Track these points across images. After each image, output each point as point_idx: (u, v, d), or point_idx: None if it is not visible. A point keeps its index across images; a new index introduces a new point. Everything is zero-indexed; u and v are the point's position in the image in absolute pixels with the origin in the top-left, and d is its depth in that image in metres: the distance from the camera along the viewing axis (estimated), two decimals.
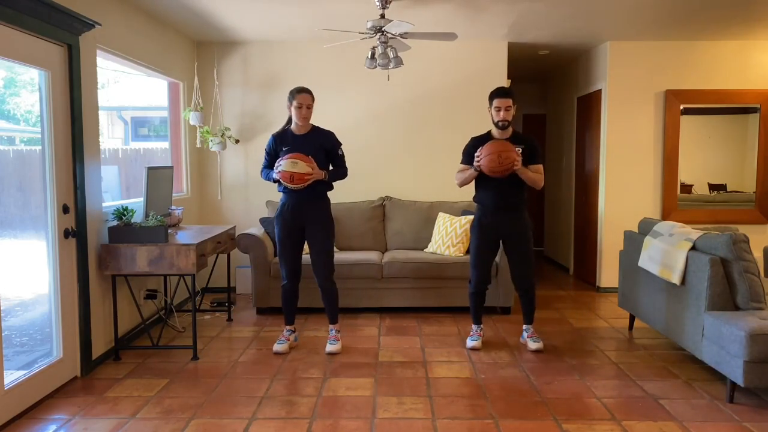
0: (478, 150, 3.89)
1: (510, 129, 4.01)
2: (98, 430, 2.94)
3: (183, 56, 5.55)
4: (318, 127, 4.08)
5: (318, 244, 4.01)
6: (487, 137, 4.05)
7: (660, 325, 3.99)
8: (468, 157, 4.05)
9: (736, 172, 5.90)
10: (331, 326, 4.19)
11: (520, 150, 3.94)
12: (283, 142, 4.01)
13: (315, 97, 4.02)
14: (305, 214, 3.99)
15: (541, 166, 4.06)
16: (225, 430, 2.91)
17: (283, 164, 3.81)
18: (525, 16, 4.86)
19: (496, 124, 3.99)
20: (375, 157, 5.92)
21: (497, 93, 4.00)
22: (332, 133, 4.09)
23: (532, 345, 4.15)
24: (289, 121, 4.04)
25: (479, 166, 3.88)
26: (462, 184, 4.09)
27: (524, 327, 4.27)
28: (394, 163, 5.95)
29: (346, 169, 4.12)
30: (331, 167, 4.07)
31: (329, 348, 4.10)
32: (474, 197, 4.16)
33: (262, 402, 3.26)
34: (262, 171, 4.12)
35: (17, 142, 3.64)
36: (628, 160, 5.90)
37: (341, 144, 4.09)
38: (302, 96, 3.92)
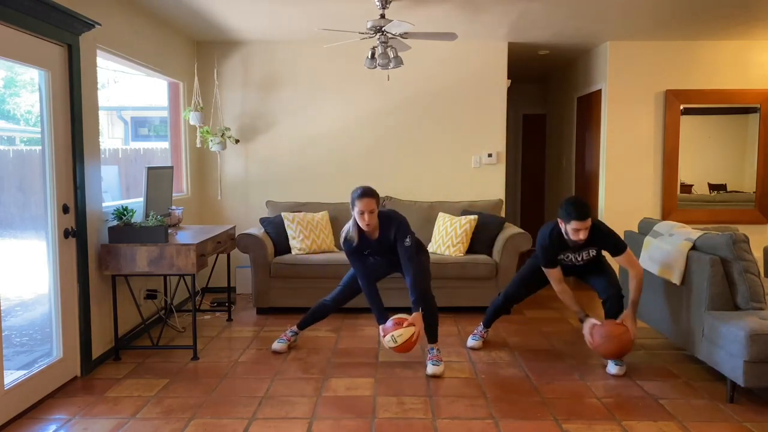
0: (589, 328, 3.60)
1: None
2: (98, 430, 2.94)
3: (183, 56, 5.55)
4: (383, 215, 3.69)
5: (405, 250, 3.64)
6: (558, 239, 3.70)
7: (660, 325, 3.99)
8: (548, 262, 3.76)
9: (736, 172, 5.90)
10: (431, 347, 3.79)
11: (593, 252, 3.73)
12: (362, 247, 3.72)
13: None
14: (386, 252, 3.78)
15: (627, 253, 3.66)
16: (225, 430, 2.91)
17: (387, 343, 3.60)
18: (525, 16, 4.86)
19: (571, 241, 3.63)
20: (375, 157, 5.92)
21: (577, 215, 3.51)
22: (401, 223, 3.67)
23: (614, 369, 3.67)
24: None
25: (590, 342, 3.62)
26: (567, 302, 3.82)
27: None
28: (394, 163, 5.94)
29: (416, 259, 3.65)
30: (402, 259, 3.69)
31: (431, 370, 3.62)
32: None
33: (262, 402, 3.26)
34: (359, 276, 3.76)
35: (17, 142, 3.64)
36: (628, 160, 5.90)
37: (407, 234, 3.65)
38: (364, 201, 3.52)
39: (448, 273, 5.02)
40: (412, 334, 3.54)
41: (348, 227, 3.72)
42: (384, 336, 3.61)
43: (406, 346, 3.56)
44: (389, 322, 3.62)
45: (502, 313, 4.21)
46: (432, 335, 3.79)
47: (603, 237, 3.69)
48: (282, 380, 3.59)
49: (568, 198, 3.67)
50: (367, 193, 3.55)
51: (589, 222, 3.55)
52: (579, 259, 3.78)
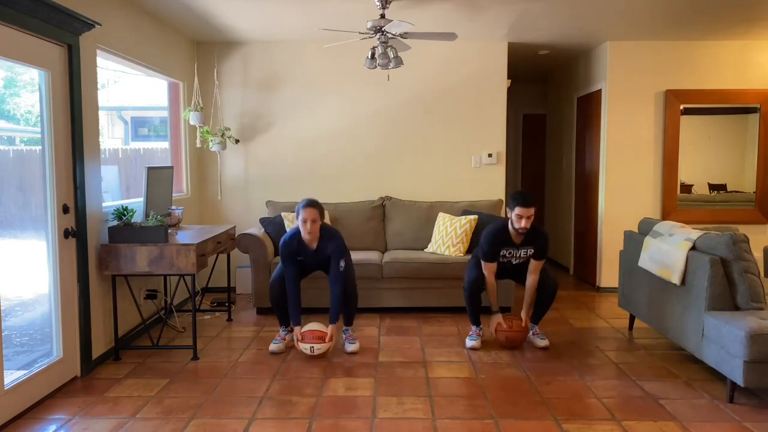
0: (496, 324, 4.16)
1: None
2: (98, 430, 2.94)
3: (183, 56, 5.55)
4: (325, 230, 3.96)
5: (337, 271, 3.95)
6: (503, 235, 4.04)
7: (660, 325, 3.99)
8: (488, 255, 4.08)
9: (736, 172, 5.90)
10: (346, 328, 4.22)
11: (531, 251, 4.07)
12: (299, 253, 3.98)
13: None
14: (319, 263, 4.08)
15: (542, 262, 4.14)
16: (225, 430, 2.92)
17: (303, 349, 3.90)
18: (525, 16, 4.86)
19: (515, 230, 3.97)
20: (375, 157, 5.92)
21: (520, 201, 3.88)
22: (339, 240, 3.95)
23: (540, 342, 4.20)
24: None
25: (493, 333, 4.20)
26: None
27: (530, 325, 4.33)
28: (394, 163, 5.95)
29: (344, 281, 3.94)
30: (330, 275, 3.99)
31: (350, 348, 4.08)
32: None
33: (262, 402, 3.26)
34: (287, 277, 3.98)
35: (17, 142, 3.64)
36: (628, 160, 5.90)
37: (343, 257, 3.93)
38: (307, 210, 3.82)
39: (448, 273, 5.02)
40: (329, 349, 3.98)
41: (291, 232, 4.00)
42: (301, 341, 3.91)
43: (319, 357, 3.96)
44: (308, 331, 3.94)
45: (479, 304, 4.24)
46: (349, 319, 4.21)
47: (541, 240, 4.07)
48: (282, 380, 3.59)
49: (518, 189, 4.03)
50: (311, 204, 3.85)
51: (532, 210, 3.90)
52: (518, 255, 4.13)
